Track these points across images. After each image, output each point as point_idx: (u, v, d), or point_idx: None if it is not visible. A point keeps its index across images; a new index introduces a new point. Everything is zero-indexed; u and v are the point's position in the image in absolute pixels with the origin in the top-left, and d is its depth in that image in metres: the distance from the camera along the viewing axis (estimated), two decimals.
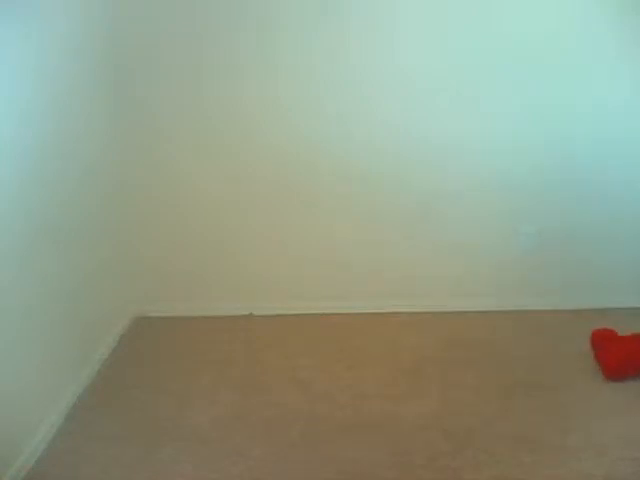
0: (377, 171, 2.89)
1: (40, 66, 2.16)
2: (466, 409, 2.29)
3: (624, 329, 2.91)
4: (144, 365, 2.66)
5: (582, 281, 3.11)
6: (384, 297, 3.00)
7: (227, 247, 3.08)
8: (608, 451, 2.05)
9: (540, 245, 3.07)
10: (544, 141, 2.95)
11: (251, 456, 2.06)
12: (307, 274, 3.01)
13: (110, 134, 2.82)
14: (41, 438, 2.09)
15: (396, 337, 2.85)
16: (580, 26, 2.81)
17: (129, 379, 2.55)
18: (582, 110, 2.91)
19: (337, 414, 2.25)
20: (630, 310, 3.05)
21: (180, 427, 2.22)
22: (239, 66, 2.85)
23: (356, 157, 2.87)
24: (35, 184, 2.09)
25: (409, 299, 2.90)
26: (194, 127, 2.93)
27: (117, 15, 2.73)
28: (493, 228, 3.07)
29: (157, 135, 2.94)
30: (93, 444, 2.13)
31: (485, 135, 2.93)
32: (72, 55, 2.40)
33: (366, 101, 2.85)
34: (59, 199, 2.28)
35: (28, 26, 2.04)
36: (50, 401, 2.21)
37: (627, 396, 2.37)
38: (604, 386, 2.42)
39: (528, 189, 3.02)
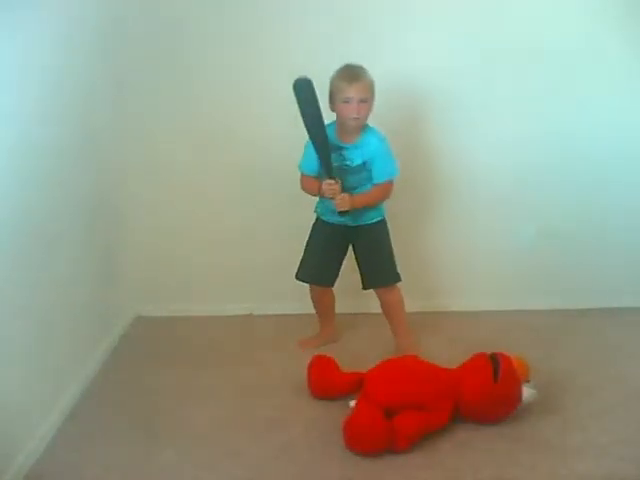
0: None
1: (38, 65, 2.16)
2: None
3: (624, 329, 2.91)
4: (144, 365, 2.66)
5: (582, 281, 3.11)
6: None
7: (227, 247, 3.08)
8: (608, 451, 2.05)
9: (540, 245, 3.07)
10: (544, 140, 2.95)
11: (251, 456, 2.06)
12: None
13: (110, 133, 2.82)
14: (41, 438, 2.08)
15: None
16: (582, 26, 2.82)
17: (129, 379, 2.55)
18: (583, 109, 2.92)
19: (337, 414, 2.24)
20: (631, 310, 3.05)
21: (180, 427, 2.22)
22: (240, 64, 2.86)
23: None
24: (33, 182, 2.09)
25: (409, 299, 2.88)
26: (195, 126, 2.94)
27: (116, 12, 2.74)
28: (493, 228, 3.08)
29: (157, 134, 2.95)
30: (93, 444, 2.13)
31: (485, 135, 2.93)
32: (71, 54, 2.39)
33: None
34: (58, 198, 2.27)
35: (24, 23, 2.04)
36: (50, 401, 2.21)
37: (627, 396, 2.37)
38: (604, 386, 2.43)
39: (528, 188, 3.02)
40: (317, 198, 2.63)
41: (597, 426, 2.18)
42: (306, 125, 2.41)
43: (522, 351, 2.31)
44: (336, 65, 2.80)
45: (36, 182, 2.11)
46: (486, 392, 2.13)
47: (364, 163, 2.50)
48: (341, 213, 2.51)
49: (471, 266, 3.13)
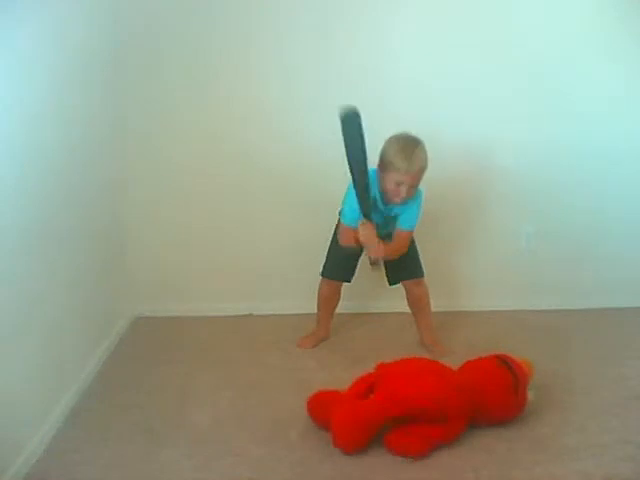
0: None
1: (38, 61, 2.16)
2: None
3: (624, 329, 2.91)
4: (144, 365, 2.66)
5: (582, 281, 3.11)
6: (384, 297, 3.00)
7: (227, 247, 3.08)
8: (608, 451, 2.05)
9: (541, 245, 3.08)
10: (546, 141, 2.96)
11: (251, 456, 2.06)
12: (307, 274, 3.01)
13: (110, 134, 2.82)
14: (41, 438, 2.08)
15: (396, 337, 2.85)
16: (586, 27, 2.84)
17: (129, 379, 2.55)
18: (586, 109, 2.92)
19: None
20: (632, 310, 3.05)
21: (180, 427, 2.22)
22: (242, 61, 2.87)
23: None
24: (33, 182, 2.09)
25: None
26: (194, 127, 2.94)
27: (118, 11, 2.74)
28: (493, 228, 3.08)
29: (157, 135, 2.95)
30: (93, 444, 2.12)
31: (486, 135, 2.94)
32: (71, 50, 2.39)
33: (371, 99, 2.87)
34: (58, 198, 2.27)
35: (24, 23, 2.04)
36: (50, 401, 2.21)
37: (627, 395, 2.37)
38: (604, 385, 2.43)
39: (529, 188, 3.02)
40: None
41: (597, 426, 2.18)
42: (349, 162, 2.35)
43: (522, 351, 2.32)
44: (340, 67, 2.80)
45: (37, 183, 2.11)
46: (510, 405, 2.15)
47: (400, 213, 2.53)
48: (372, 264, 2.52)
49: (471, 266, 3.13)
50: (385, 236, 2.53)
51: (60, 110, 2.28)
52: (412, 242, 2.67)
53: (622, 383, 2.45)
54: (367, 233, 2.42)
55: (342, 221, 2.55)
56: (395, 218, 2.54)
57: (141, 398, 2.40)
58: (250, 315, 3.13)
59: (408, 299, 2.75)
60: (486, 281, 3.14)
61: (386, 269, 2.71)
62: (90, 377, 2.52)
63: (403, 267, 2.66)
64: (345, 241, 2.54)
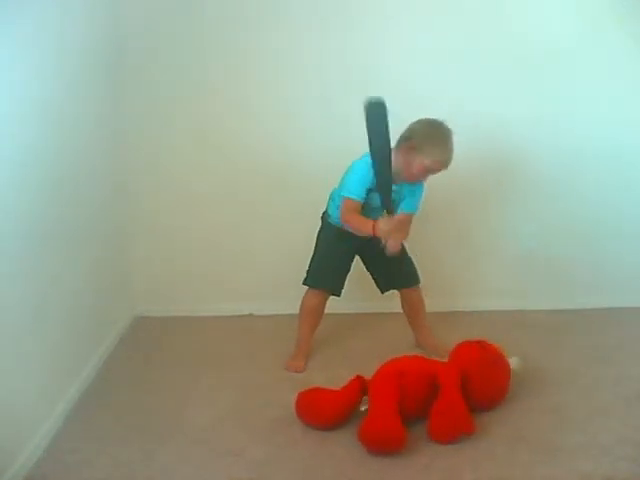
0: None
1: (39, 64, 2.16)
2: None
3: (623, 329, 2.91)
4: (144, 365, 2.66)
5: (582, 281, 3.11)
6: (384, 297, 2.99)
7: (227, 247, 3.08)
8: (608, 451, 2.04)
9: (540, 245, 3.08)
10: (546, 140, 2.96)
11: (251, 456, 2.06)
12: None
13: (110, 134, 2.82)
14: (41, 438, 2.08)
15: (396, 337, 2.85)
16: (584, 27, 2.84)
17: (129, 379, 2.55)
18: (587, 109, 2.92)
19: None
20: (631, 310, 3.05)
21: (180, 427, 2.22)
22: (241, 64, 2.88)
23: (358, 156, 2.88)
24: (35, 184, 2.09)
25: None
26: (194, 128, 2.94)
27: (117, 12, 2.75)
28: (493, 227, 3.08)
29: (157, 135, 2.95)
30: (93, 444, 2.12)
31: (486, 135, 2.94)
32: (71, 52, 2.39)
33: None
34: (59, 199, 2.28)
35: (26, 25, 2.04)
36: (50, 401, 2.21)
37: (627, 395, 2.37)
38: (604, 386, 2.43)
39: (530, 188, 3.03)
40: (326, 202, 2.60)
41: (597, 426, 2.17)
42: (372, 154, 2.24)
43: (522, 351, 2.32)
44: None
45: (37, 184, 2.11)
46: (481, 358, 2.21)
47: (406, 195, 2.46)
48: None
49: (471, 266, 3.13)
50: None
51: (60, 112, 2.28)
52: (404, 248, 2.58)
53: (622, 383, 2.44)
54: (390, 229, 2.30)
55: (347, 194, 2.36)
56: (400, 199, 2.44)
57: (141, 398, 2.40)
58: (250, 315, 3.13)
59: (404, 305, 2.72)
60: (486, 281, 3.13)
61: (380, 277, 2.66)
62: (90, 377, 2.52)
63: (399, 275, 2.59)
64: (354, 221, 2.36)
